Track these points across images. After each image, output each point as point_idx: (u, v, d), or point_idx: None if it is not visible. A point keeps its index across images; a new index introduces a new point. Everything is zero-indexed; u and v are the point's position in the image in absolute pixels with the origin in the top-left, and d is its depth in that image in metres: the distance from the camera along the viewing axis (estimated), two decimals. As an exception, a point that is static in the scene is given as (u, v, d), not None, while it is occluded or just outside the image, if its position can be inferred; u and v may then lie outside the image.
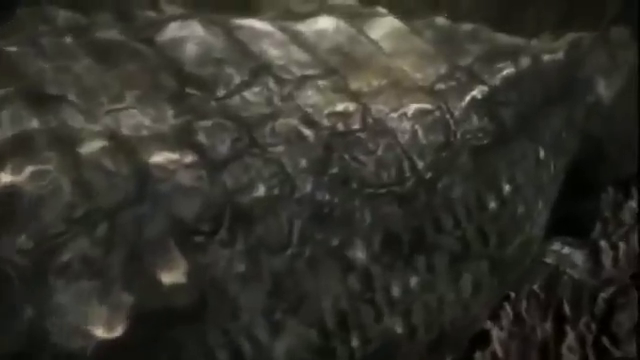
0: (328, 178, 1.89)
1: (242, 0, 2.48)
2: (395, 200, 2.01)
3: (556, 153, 2.60)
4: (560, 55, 2.77)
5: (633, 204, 3.16)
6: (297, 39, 2.12)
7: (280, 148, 1.83)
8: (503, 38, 2.75)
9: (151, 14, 2.05)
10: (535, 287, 2.68)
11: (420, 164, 2.09)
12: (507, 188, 2.34)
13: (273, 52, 2.03)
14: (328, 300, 1.86)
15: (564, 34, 3.05)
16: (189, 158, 1.69)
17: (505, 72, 2.48)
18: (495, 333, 2.53)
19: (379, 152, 2.02)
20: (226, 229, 1.69)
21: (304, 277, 1.82)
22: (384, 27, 2.40)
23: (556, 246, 2.92)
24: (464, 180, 2.20)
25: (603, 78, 3.01)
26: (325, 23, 2.22)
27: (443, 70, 2.35)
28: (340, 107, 2.01)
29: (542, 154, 2.52)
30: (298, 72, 2.01)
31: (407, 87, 2.23)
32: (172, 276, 1.59)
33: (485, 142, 2.30)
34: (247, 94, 1.89)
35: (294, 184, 1.82)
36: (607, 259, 2.89)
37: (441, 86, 2.30)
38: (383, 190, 2.00)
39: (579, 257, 2.89)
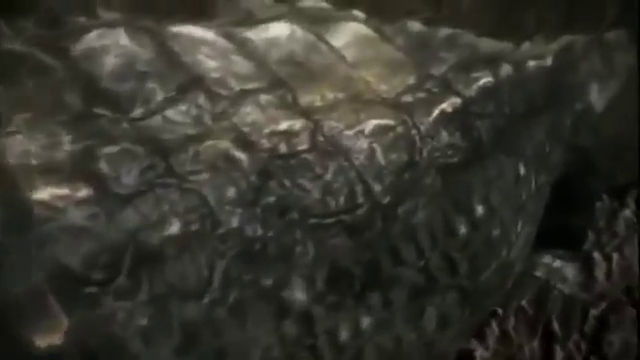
0: (262, 209, 1.48)
1: (197, 5, 2.03)
2: (344, 230, 1.60)
3: (538, 168, 2.18)
4: (548, 61, 2.36)
5: (628, 213, 2.86)
6: (243, 48, 1.72)
7: (203, 176, 1.43)
8: (486, 43, 2.34)
9: (82, 20, 1.62)
10: (524, 303, 2.41)
11: (377, 188, 1.68)
12: (480, 210, 1.92)
13: (210, 63, 1.62)
14: (257, 352, 1.46)
15: (558, 37, 2.57)
16: (83, 192, 1.29)
17: (482, 81, 2.07)
18: (479, 353, 2.26)
19: (327, 176, 1.61)
20: (126, 276, 1.29)
21: (226, 327, 1.41)
22: (350, 33, 1.98)
23: (546, 259, 2.62)
24: (429, 203, 1.78)
25: (597, 84, 2.63)
26: (279, 30, 1.82)
27: (412, 80, 1.94)
28: (284, 125, 1.60)
29: (522, 170, 2.10)
30: (236, 86, 1.60)
31: (368, 100, 1.82)
32: (49, 338, 1.18)
33: (455, 160, 1.88)
34: (170, 113, 1.49)
35: (217, 218, 1.40)
36: (600, 272, 2.63)
37: (408, 98, 1.89)
38: (330, 220, 1.59)
39: (570, 271, 2.61)
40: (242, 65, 1.71)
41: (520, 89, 2.23)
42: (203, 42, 1.72)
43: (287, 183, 1.58)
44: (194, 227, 1.43)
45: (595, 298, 2.52)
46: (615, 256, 2.68)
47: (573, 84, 2.52)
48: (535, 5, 3.19)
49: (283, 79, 1.75)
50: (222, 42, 1.75)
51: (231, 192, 1.50)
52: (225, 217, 1.47)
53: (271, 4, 2.24)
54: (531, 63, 2.34)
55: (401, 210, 1.76)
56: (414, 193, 1.79)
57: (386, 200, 1.73)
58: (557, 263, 2.63)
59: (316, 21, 2.06)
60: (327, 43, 1.93)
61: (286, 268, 1.54)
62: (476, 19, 3.14)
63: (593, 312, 2.48)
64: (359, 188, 1.69)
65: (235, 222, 1.48)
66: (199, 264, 1.42)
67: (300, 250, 1.56)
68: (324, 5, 2.35)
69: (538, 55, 2.42)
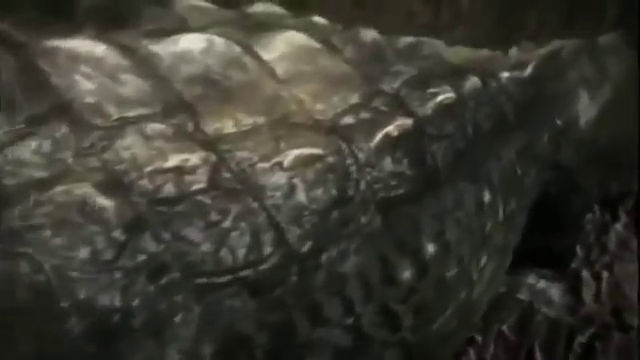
0: (125, 272, 0.97)
1: (120, 12, 1.56)
2: (245, 289, 1.12)
3: (508, 193, 1.67)
4: (528, 70, 1.87)
5: (619, 227, 2.52)
6: (142, 65, 1.24)
7: (42, 234, 0.93)
8: (455, 53, 1.80)
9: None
10: (504, 328, 2.07)
11: (293, 233, 1.20)
12: (431, 249, 1.43)
13: (86, 86, 1.13)
14: None
15: (547, 42, 2.21)
16: None
17: (441, 97, 1.54)
18: (456, 385, 1.72)
19: (226, 223, 1.11)
20: None
21: None
22: (288, 44, 1.49)
23: (531, 279, 2.26)
24: (364, 247, 1.29)
25: (587, 91, 2.21)
26: (192, 42, 1.32)
27: (356, 98, 1.43)
28: (175, 160, 1.11)
29: (487, 197, 1.58)
30: (116, 113, 1.10)
31: (296, 124, 1.35)
32: None
33: (401, 192, 1.40)
34: (15, 151, 0.99)
35: (56, 288, 0.90)
36: (588, 292, 2.29)
37: (348, 120, 1.40)
38: (225, 278, 1.10)
39: (556, 292, 2.24)
40: (133, 86, 1.24)
41: (489, 105, 1.71)
42: (87, 59, 1.24)
43: (166, 235, 1.09)
44: (19, 304, 0.94)
45: (582, 322, 2.15)
46: (605, 274, 2.32)
47: (556, 94, 2.00)
48: (535, 7, 2.93)
49: (187, 102, 1.28)
50: (114, 58, 1.27)
51: (83, 252, 1.00)
52: (69, 286, 0.98)
53: (211, 10, 1.73)
54: (504, 74, 1.81)
55: (325, 258, 1.26)
56: (344, 236, 1.30)
57: (305, 247, 1.25)
58: (542, 284, 2.25)
59: (257, 29, 1.56)
60: (255, 56, 1.43)
61: (158, 344, 1.05)
62: (475, 21, 2.92)
63: (579, 339, 2.11)
64: (268, 235, 1.21)
65: (83, 292, 0.99)
66: (22, 351, 0.92)
67: (180, 319, 1.08)
68: (277, 11, 1.84)
69: (516, 65, 1.90)
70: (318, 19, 1.89)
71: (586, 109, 2.27)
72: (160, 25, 1.55)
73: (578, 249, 2.45)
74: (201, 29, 1.53)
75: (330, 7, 3.01)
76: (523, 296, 2.23)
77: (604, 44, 2.42)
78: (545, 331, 2.14)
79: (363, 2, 3.03)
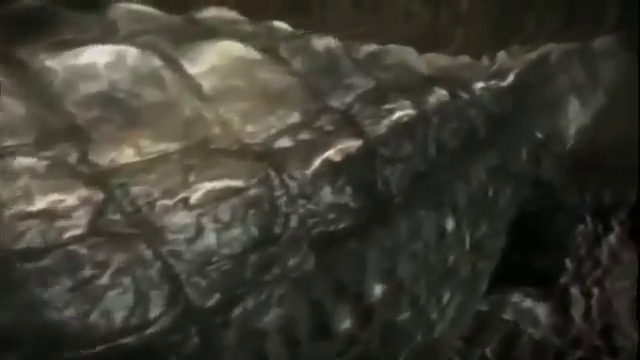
0: None
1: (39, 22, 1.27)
2: None
3: (477, 218, 1.33)
4: (509, 79, 1.54)
5: (612, 239, 2.23)
6: (26, 84, 0.94)
7: None
8: (428, 61, 1.46)
9: None
10: (487, 351, 1.83)
11: (196, 285, 0.88)
12: (378, 290, 1.09)
13: None
14: None
15: (542, 45, 1.95)
16: None
17: (398, 114, 1.22)
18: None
19: (103, 278, 0.78)
20: None
21: None
22: (222, 55, 1.14)
23: (516, 298, 1.99)
24: (291, 293, 0.97)
25: (577, 98, 1.94)
26: (98, 54, 0.99)
27: (296, 117, 1.10)
28: (44, 201, 0.80)
29: (450, 224, 1.25)
30: None
31: (215, 151, 1.06)
32: None
33: (342, 226, 1.07)
34: None
35: None
36: (577, 311, 2.02)
37: (284, 143, 1.08)
38: (97, 349, 0.77)
39: (542, 311, 1.98)
40: (3, 111, 0.89)
41: (456, 120, 1.36)
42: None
43: (17, 300, 0.76)
44: None
45: (570, 344, 1.90)
46: (595, 291, 2.05)
47: (540, 104, 1.66)
48: (534, 8, 2.73)
49: (79, 127, 0.96)
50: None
51: None
52: None
53: (151, 16, 1.40)
54: (479, 85, 1.46)
55: (238, 312, 0.93)
56: (265, 283, 0.98)
57: (211, 302, 0.91)
58: (527, 303, 1.99)
59: (192, 39, 1.23)
60: (178, 69, 1.11)
61: None
62: (474, 22, 2.74)
63: (567, 363, 1.81)
64: (161, 291, 0.87)
65: None
66: None
67: None
68: (231, 16, 1.51)
69: (495, 73, 1.57)
70: (279, 24, 1.56)
71: (577, 116, 1.95)
72: (81, 35, 1.22)
73: (568, 263, 2.14)
74: (127, 38, 1.20)
75: (330, 7, 2.72)
76: (507, 316, 1.97)
77: (598, 48, 2.08)
78: (530, 354, 1.90)
79: (362, 3, 2.77)
